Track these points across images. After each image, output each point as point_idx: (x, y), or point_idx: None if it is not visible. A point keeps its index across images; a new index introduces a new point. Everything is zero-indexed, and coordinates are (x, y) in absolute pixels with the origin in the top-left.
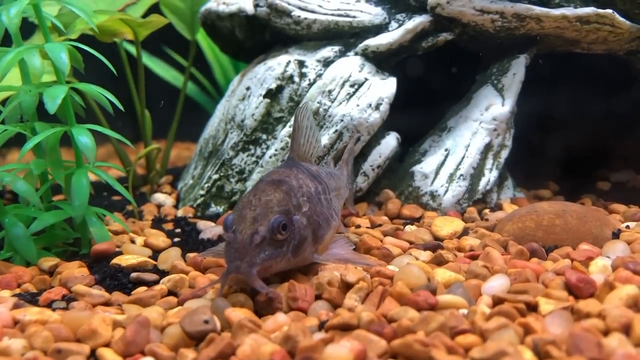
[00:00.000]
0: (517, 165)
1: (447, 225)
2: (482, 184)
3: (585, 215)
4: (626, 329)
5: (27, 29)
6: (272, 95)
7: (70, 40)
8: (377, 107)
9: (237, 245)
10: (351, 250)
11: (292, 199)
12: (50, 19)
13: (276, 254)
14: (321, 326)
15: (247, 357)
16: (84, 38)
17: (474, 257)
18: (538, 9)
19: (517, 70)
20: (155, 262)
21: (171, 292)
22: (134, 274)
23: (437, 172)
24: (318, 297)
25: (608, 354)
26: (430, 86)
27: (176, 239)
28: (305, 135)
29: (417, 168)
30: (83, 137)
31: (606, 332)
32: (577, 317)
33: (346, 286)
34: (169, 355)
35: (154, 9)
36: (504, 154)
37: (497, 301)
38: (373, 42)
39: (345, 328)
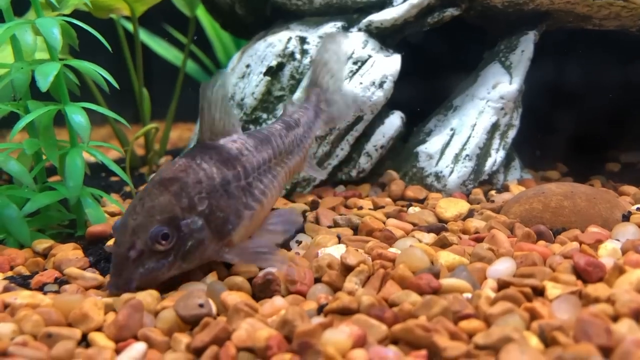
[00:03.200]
0: (524, 145)
1: (452, 207)
2: (489, 164)
3: (594, 197)
4: (636, 315)
5: (23, 5)
6: (273, 73)
7: (64, 15)
8: (380, 85)
9: (115, 260)
10: (273, 241)
11: (182, 200)
12: None
13: (160, 265)
14: (320, 310)
15: (242, 342)
16: (80, 14)
17: (479, 240)
18: None
19: (526, 47)
20: None
21: None
22: None
23: (442, 153)
24: (318, 280)
25: (617, 340)
26: (436, 63)
27: None
28: (221, 108)
29: (421, 148)
30: (77, 115)
31: (615, 318)
32: (586, 302)
33: (346, 269)
34: (163, 340)
35: None
36: (511, 133)
37: (502, 285)
38: (377, 17)
39: (345, 312)
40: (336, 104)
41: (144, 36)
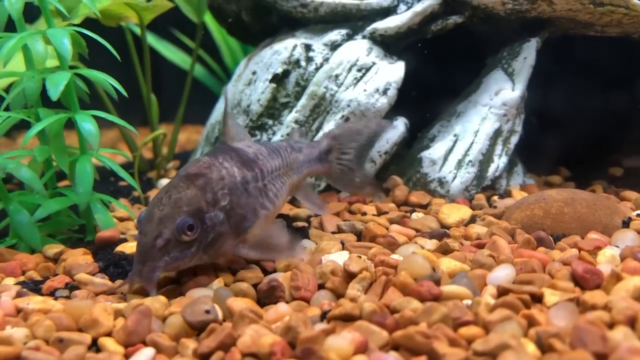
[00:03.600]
0: (527, 150)
1: (455, 213)
2: (491, 170)
3: (594, 204)
4: (632, 322)
5: (33, 12)
6: (279, 80)
7: (74, 25)
8: (384, 92)
9: (141, 248)
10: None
11: (207, 194)
12: (53, 3)
13: (183, 255)
14: (323, 316)
15: (247, 348)
16: (89, 22)
17: (480, 246)
18: None
19: (528, 54)
20: None
21: (174, 281)
22: None
23: (445, 158)
24: (321, 287)
25: (612, 347)
26: (439, 71)
27: None
28: (232, 116)
29: (425, 154)
30: (86, 123)
31: (611, 325)
32: (583, 309)
33: (349, 276)
34: (170, 345)
35: None
36: (514, 139)
37: (502, 292)
38: (381, 25)
39: (347, 319)
40: (345, 171)
41: (153, 40)
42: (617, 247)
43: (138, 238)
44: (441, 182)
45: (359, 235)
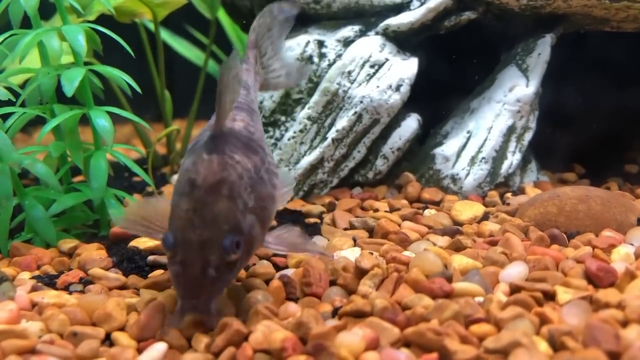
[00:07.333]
0: (541, 147)
1: (467, 210)
2: (505, 167)
3: (609, 201)
4: None
5: (48, 9)
6: None
7: (89, 21)
8: (397, 89)
9: (188, 282)
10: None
11: (238, 202)
12: (68, 0)
13: (232, 275)
14: (335, 313)
15: (259, 344)
16: (103, 19)
17: (493, 243)
18: None
19: (543, 50)
20: None
21: None
22: (151, 257)
23: (458, 155)
24: (333, 283)
25: (625, 346)
26: (452, 67)
27: None
28: (231, 88)
29: (438, 150)
30: (101, 119)
31: (625, 323)
32: (596, 307)
33: (361, 272)
34: (183, 340)
35: None
36: (528, 136)
37: (514, 289)
38: (394, 21)
39: (359, 315)
40: (272, 70)
41: (167, 37)
42: (632, 245)
43: (177, 270)
44: (454, 178)
45: (371, 232)
